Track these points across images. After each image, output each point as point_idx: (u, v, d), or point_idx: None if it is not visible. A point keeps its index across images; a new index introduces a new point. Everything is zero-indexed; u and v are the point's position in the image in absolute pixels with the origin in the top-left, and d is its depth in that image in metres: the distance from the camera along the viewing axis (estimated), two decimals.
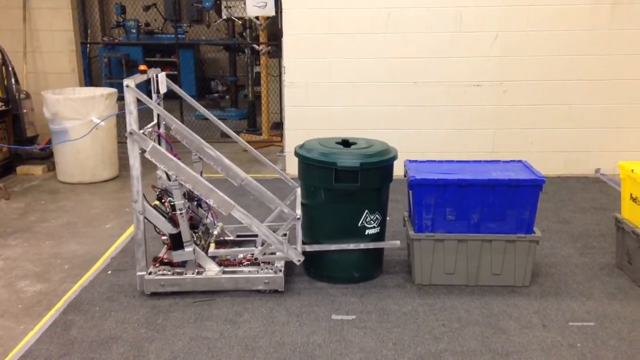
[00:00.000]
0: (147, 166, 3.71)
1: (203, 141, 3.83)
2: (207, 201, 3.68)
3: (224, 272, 3.78)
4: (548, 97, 6.26)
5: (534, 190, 3.69)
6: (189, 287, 3.73)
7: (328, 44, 6.23)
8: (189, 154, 4.01)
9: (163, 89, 3.98)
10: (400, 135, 6.14)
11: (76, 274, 4.16)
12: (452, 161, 4.16)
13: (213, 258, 3.87)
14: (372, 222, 3.85)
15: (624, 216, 4.03)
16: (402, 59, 6.23)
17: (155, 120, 3.96)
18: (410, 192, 3.88)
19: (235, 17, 8.39)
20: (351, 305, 3.65)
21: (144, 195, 3.63)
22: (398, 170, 4.00)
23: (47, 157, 6.72)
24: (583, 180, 6.24)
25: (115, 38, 11.63)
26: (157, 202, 3.79)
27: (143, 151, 3.55)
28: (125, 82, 3.46)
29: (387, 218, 4.07)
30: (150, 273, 3.75)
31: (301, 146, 3.97)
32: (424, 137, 6.36)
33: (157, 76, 3.89)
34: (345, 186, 3.73)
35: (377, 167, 3.77)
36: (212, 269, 3.78)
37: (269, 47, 7.93)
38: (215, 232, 4.15)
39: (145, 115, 3.99)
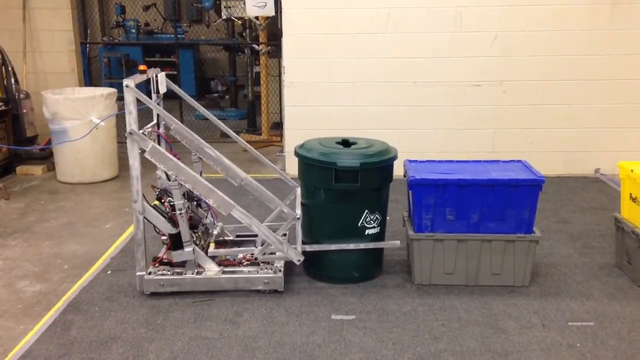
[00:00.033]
0: (147, 166, 3.71)
1: (203, 141, 3.82)
2: (206, 201, 3.68)
3: (224, 272, 3.78)
4: (548, 97, 6.26)
5: (534, 190, 3.69)
6: (188, 287, 3.73)
7: (328, 44, 6.23)
8: (188, 154, 4.00)
9: (163, 89, 3.98)
10: (400, 135, 6.14)
11: (76, 274, 4.16)
12: (452, 161, 4.16)
13: (213, 258, 3.87)
14: (372, 222, 3.85)
15: (623, 216, 4.04)
16: (402, 59, 6.23)
17: (155, 120, 3.96)
18: (410, 192, 3.88)
19: (235, 17, 8.39)
20: (351, 305, 3.65)
21: (143, 195, 3.63)
22: (398, 170, 4.00)
23: (46, 157, 6.72)
24: (583, 180, 6.24)
25: (114, 38, 11.63)
26: (156, 202, 3.79)
27: (143, 151, 3.54)
28: (125, 82, 3.46)
29: (387, 218, 4.08)
30: (149, 273, 3.75)
31: (301, 146, 3.97)
32: (423, 137, 6.36)
33: (156, 76, 3.89)
34: (345, 186, 3.73)
35: (377, 167, 3.77)
36: (211, 269, 3.78)
37: (269, 47, 7.93)
38: (215, 232, 4.15)
39: (145, 115, 3.99)
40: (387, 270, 4.11)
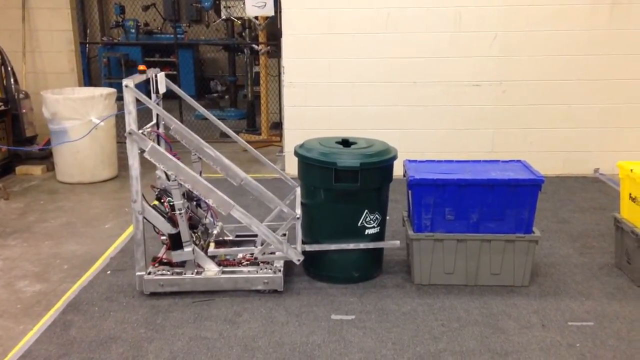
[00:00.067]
0: (147, 166, 3.71)
1: (202, 141, 3.82)
2: (206, 201, 3.68)
3: (223, 272, 3.78)
4: (547, 97, 6.26)
5: (533, 190, 3.69)
6: (188, 287, 3.73)
7: (327, 44, 6.23)
8: (188, 154, 4.00)
9: (162, 89, 3.98)
10: (399, 135, 6.13)
11: (75, 274, 4.16)
12: (452, 161, 4.16)
13: (212, 258, 3.87)
14: (372, 222, 3.85)
15: (623, 216, 4.04)
16: (402, 59, 6.23)
17: (155, 120, 3.96)
18: (410, 192, 3.88)
19: (235, 17, 8.39)
20: (350, 305, 3.65)
21: (143, 195, 3.62)
22: (398, 170, 4.00)
23: (46, 157, 6.71)
24: (582, 180, 6.24)
25: (114, 38, 11.63)
26: (156, 202, 3.79)
27: (142, 151, 3.54)
28: (125, 82, 3.46)
29: (387, 218, 4.07)
30: (149, 273, 3.75)
31: (301, 146, 3.97)
32: (423, 137, 6.36)
33: (156, 76, 3.88)
34: (345, 186, 3.73)
35: (377, 167, 3.77)
36: (211, 269, 3.78)
37: (268, 47, 7.93)
38: (215, 232, 4.15)
39: (144, 115, 3.99)
40: (387, 270, 4.11)
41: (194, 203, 4.05)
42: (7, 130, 6.57)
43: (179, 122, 3.87)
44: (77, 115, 5.95)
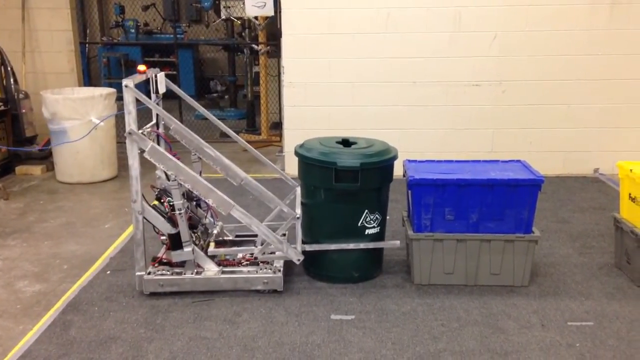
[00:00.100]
0: (146, 166, 3.71)
1: (202, 141, 3.82)
2: (206, 201, 3.68)
3: (223, 272, 3.78)
4: (547, 97, 6.26)
5: (533, 190, 3.70)
6: (188, 287, 3.73)
7: (327, 44, 6.23)
8: (188, 154, 4.00)
9: (162, 89, 3.98)
10: (399, 135, 6.13)
11: (75, 274, 4.16)
12: (451, 161, 4.16)
13: (212, 257, 3.87)
14: (372, 222, 3.85)
15: (622, 216, 4.04)
16: (402, 59, 6.23)
17: (154, 120, 3.96)
18: (409, 192, 3.88)
19: (234, 17, 8.39)
20: (350, 305, 3.65)
21: (143, 195, 3.62)
22: (398, 170, 4.00)
23: (46, 157, 6.71)
24: (582, 180, 6.24)
25: (114, 38, 11.62)
26: (156, 202, 3.79)
27: (142, 151, 3.54)
28: (124, 82, 3.46)
29: (387, 218, 4.07)
30: (149, 273, 3.75)
31: (301, 145, 3.97)
32: (423, 137, 6.36)
33: (156, 76, 3.88)
34: (346, 186, 3.73)
35: (378, 167, 3.77)
36: (211, 269, 3.78)
37: (268, 47, 7.93)
38: (215, 231, 4.15)
39: (144, 115, 3.99)
40: (387, 270, 4.11)
41: (194, 203, 4.05)
42: (7, 131, 6.57)
43: (178, 122, 3.87)
44: (77, 115, 5.95)
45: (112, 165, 6.44)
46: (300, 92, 6.35)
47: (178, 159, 3.67)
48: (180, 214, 3.62)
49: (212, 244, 4.02)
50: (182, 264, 3.79)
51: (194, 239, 3.83)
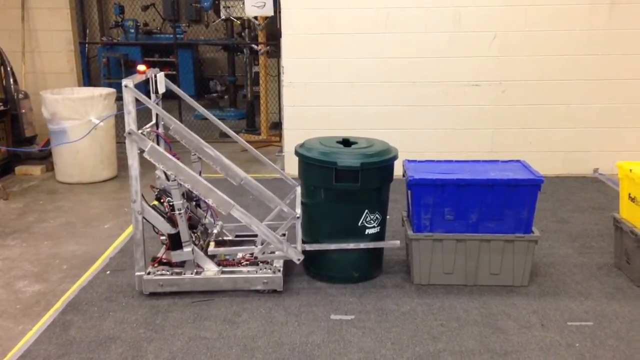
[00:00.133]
0: (146, 166, 3.71)
1: (202, 141, 3.82)
2: (206, 201, 3.68)
3: (223, 272, 3.78)
4: (546, 97, 6.27)
5: (533, 190, 3.70)
6: (187, 287, 3.73)
7: (327, 44, 6.23)
8: (187, 154, 4.00)
9: (162, 89, 3.98)
10: (399, 135, 6.13)
11: (75, 274, 4.16)
12: (451, 161, 4.16)
13: (212, 257, 3.87)
14: (372, 221, 3.85)
15: (622, 216, 4.04)
16: (402, 59, 6.23)
17: (154, 120, 3.96)
18: (409, 192, 3.88)
19: (234, 17, 8.39)
20: (350, 305, 3.65)
21: (142, 195, 3.62)
22: (398, 170, 4.00)
23: (45, 157, 6.71)
24: (581, 180, 6.24)
25: (113, 38, 11.62)
26: (155, 202, 3.79)
27: (142, 151, 3.54)
28: (124, 82, 3.46)
29: (387, 218, 4.07)
30: (149, 273, 3.75)
31: (301, 145, 3.97)
32: (422, 137, 6.36)
33: (155, 76, 3.88)
34: (346, 186, 3.73)
35: (378, 167, 3.77)
36: (210, 269, 3.78)
37: (268, 47, 7.93)
38: (215, 232, 4.15)
39: (144, 115, 3.99)
40: (387, 270, 4.11)
41: (194, 203, 4.05)
42: (6, 131, 6.57)
43: (178, 122, 3.87)
44: (77, 116, 5.95)
45: (112, 165, 6.44)
46: (300, 92, 6.35)
47: (178, 159, 3.66)
48: (180, 214, 3.62)
49: (212, 244, 4.01)
50: (181, 264, 3.79)
51: (194, 239, 3.83)
